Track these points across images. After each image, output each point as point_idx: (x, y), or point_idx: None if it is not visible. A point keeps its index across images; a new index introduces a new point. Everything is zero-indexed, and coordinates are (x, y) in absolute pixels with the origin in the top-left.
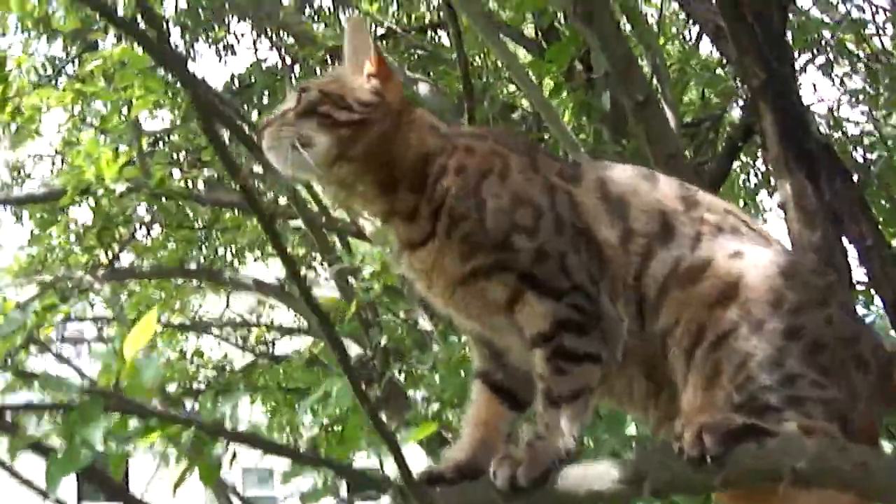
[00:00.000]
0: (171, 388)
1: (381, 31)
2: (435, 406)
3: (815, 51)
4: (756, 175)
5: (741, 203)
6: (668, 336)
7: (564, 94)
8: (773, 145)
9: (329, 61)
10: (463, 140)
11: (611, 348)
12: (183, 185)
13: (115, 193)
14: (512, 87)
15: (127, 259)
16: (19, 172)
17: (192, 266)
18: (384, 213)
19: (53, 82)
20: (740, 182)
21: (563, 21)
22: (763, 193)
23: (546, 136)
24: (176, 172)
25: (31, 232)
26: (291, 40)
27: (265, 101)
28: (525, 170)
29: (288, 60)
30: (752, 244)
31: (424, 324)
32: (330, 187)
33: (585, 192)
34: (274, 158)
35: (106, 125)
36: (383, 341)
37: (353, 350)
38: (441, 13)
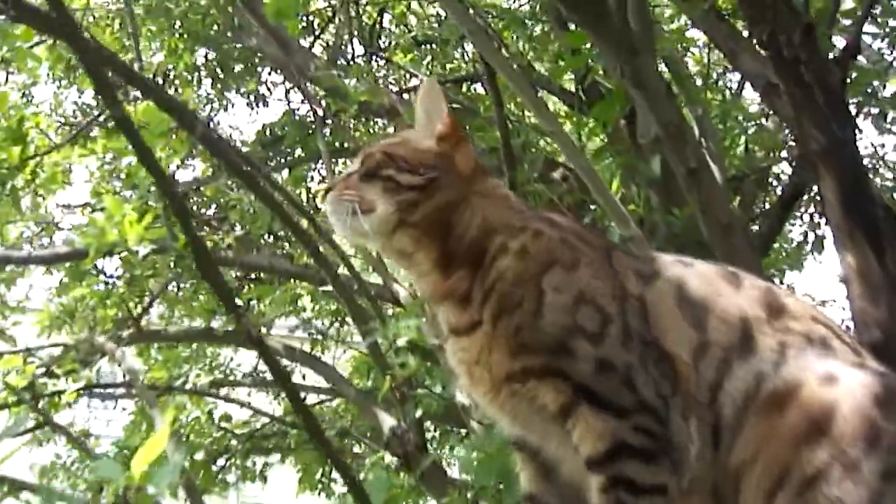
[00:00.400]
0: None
1: (414, 82)
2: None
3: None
4: (805, 232)
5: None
6: (743, 471)
7: (609, 158)
8: (835, 214)
9: (361, 116)
10: (535, 223)
11: (679, 476)
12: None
13: (139, 255)
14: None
15: (158, 311)
16: (48, 224)
17: (223, 319)
18: (436, 293)
19: (85, 131)
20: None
21: (603, 72)
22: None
23: (587, 201)
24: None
25: (60, 281)
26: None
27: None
28: (597, 267)
29: (320, 113)
30: (843, 363)
31: (462, 398)
32: (391, 256)
33: (660, 295)
34: (335, 223)
35: (131, 181)
36: (418, 414)
37: (387, 423)
38: (476, 65)
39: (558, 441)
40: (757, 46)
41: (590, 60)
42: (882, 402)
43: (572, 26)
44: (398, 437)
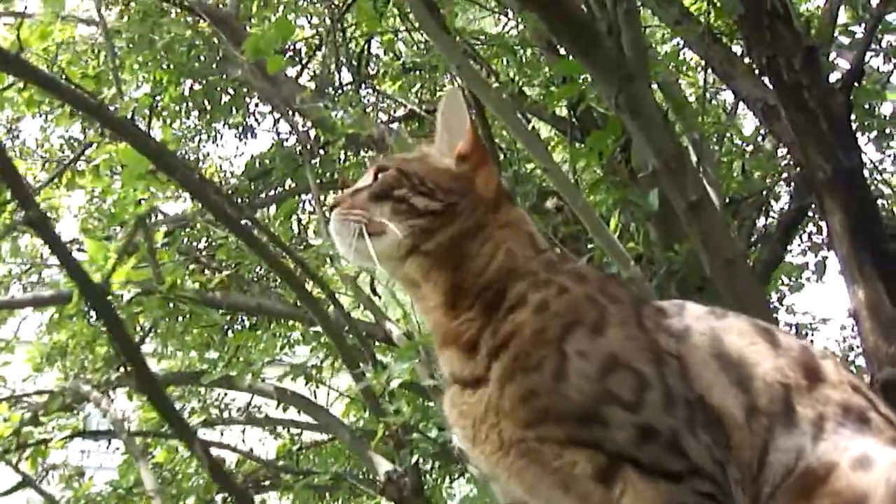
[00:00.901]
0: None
1: (402, 111)
2: None
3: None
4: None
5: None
6: None
7: (604, 191)
8: (843, 246)
9: (349, 147)
10: (561, 277)
11: None
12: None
13: (123, 300)
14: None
15: (150, 347)
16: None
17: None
18: (439, 332)
19: (73, 164)
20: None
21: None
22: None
23: (584, 233)
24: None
25: (50, 319)
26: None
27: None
28: (628, 326)
29: (308, 144)
30: (879, 441)
31: (459, 443)
32: (398, 282)
33: (696, 350)
34: (339, 243)
35: (114, 223)
36: (414, 459)
37: (383, 466)
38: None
39: None
40: (756, 70)
41: (582, 88)
42: None
43: (563, 51)
44: (394, 482)
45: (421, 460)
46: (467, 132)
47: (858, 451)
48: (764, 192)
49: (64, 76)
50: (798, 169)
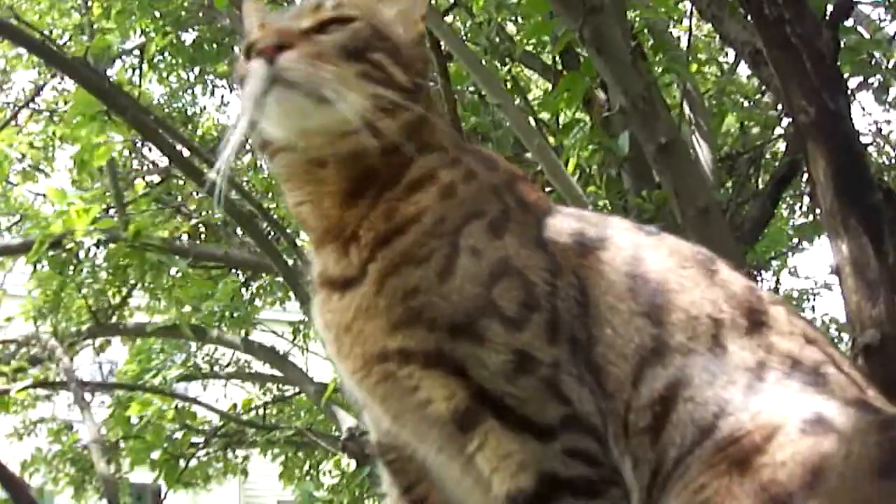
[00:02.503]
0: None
1: None
2: None
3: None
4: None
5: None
6: None
7: (579, 134)
8: (827, 197)
9: None
10: (468, 156)
11: None
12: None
13: (85, 247)
14: None
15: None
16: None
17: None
18: (323, 228)
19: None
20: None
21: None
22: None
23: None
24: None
25: (33, 270)
26: None
27: None
28: (526, 233)
29: None
30: (837, 400)
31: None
32: (296, 167)
33: (603, 264)
34: (282, 99)
35: (82, 173)
36: None
37: (346, 423)
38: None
39: (442, 450)
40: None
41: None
42: (887, 467)
43: None
44: (355, 440)
45: None
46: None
47: (810, 412)
48: (761, 146)
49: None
50: (786, 116)
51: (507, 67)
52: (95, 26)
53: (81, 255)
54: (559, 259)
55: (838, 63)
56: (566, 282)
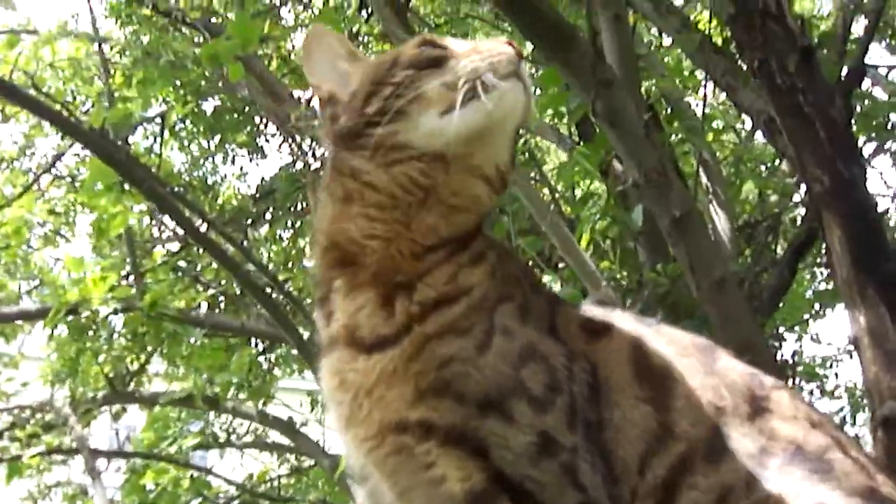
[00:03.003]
0: None
1: None
2: None
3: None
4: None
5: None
6: None
7: (594, 208)
8: (843, 267)
9: None
10: (494, 241)
11: None
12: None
13: (100, 316)
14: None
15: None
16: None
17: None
18: (374, 272)
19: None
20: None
21: None
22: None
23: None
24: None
25: (51, 335)
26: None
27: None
28: (543, 321)
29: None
30: (841, 489)
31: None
32: (410, 194)
33: (612, 354)
34: (518, 91)
35: (100, 240)
36: None
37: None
38: None
39: None
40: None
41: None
42: None
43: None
44: None
45: None
46: None
47: (813, 501)
48: (779, 215)
49: (34, 87)
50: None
51: (523, 139)
52: (117, 94)
53: (98, 321)
54: (571, 345)
55: (852, 129)
56: (580, 367)
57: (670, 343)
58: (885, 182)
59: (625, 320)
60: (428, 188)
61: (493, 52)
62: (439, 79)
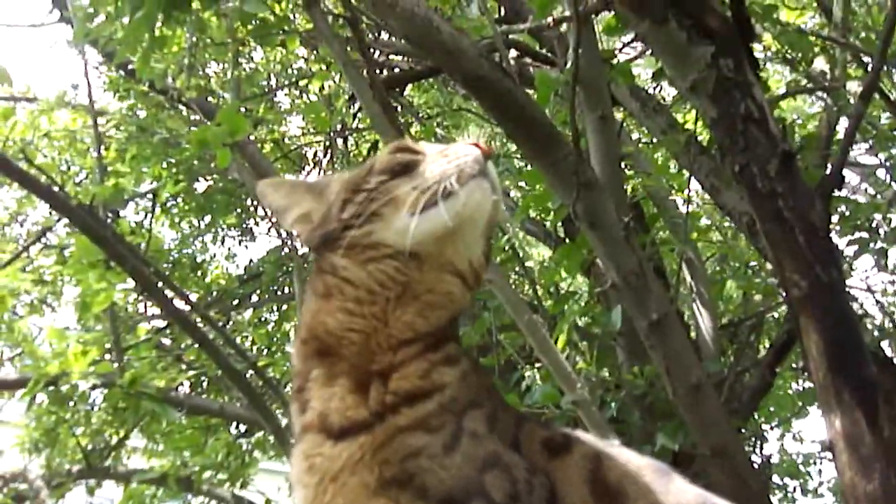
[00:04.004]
0: None
1: None
2: None
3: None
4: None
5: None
6: None
7: (574, 306)
8: (820, 371)
9: None
10: (467, 352)
11: None
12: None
13: (79, 390)
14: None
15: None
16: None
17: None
18: (353, 364)
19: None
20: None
21: None
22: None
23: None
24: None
25: (29, 405)
26: None
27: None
28: (510, 434)
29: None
30: None
31: None
32: (400, 275)
33: (571, 471)
34: (484, 189)
35: (83, 315)
36: None
37: None
38: None
39: None
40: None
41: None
42: None
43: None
44: None
45: None
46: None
47: None
48: (762, 314)
49: (26, 159)
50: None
51: (506, 237)
52: (110, 168)
53: (77, 396)
54: (532, 460)
55: (831, 233)
56: (539, 482)
57: (628, 462)
58: (868, 285)
59: (586, 439)
60: (404, 284)
61: (459, 155)
62: (410, 183)
